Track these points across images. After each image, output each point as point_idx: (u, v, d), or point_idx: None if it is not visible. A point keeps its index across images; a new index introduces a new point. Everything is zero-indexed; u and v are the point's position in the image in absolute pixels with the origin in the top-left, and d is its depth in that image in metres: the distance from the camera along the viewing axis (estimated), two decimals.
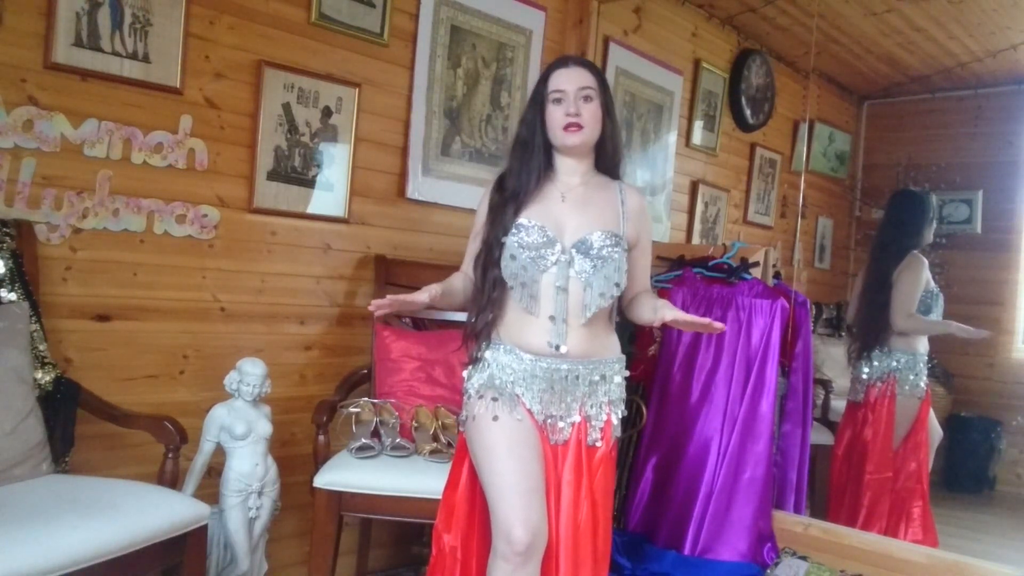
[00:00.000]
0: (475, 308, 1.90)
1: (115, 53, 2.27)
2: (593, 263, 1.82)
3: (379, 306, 1.73)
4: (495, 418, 1.79)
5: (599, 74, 1.93)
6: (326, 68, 2.76)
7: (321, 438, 2.41)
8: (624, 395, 1.94)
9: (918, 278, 3.59)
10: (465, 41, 3.20)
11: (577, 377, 1.85)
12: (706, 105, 4.42)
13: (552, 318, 1.81)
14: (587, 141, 1.88)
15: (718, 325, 1.75)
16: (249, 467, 2.25)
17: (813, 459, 3.41)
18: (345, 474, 2.26)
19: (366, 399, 2.54)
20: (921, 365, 3.62)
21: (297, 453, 2.68)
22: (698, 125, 4.40)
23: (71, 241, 2.24)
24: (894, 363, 3.59)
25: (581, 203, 1.89)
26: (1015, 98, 4.96)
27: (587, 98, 1.87)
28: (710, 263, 3.14)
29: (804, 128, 4.85)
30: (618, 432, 1.94)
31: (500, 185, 1.93)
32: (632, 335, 3.17)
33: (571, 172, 1.92)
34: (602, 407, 1.88)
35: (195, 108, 2.46)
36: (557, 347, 1.81)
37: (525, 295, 1.81)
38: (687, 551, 2.85)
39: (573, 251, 1.83)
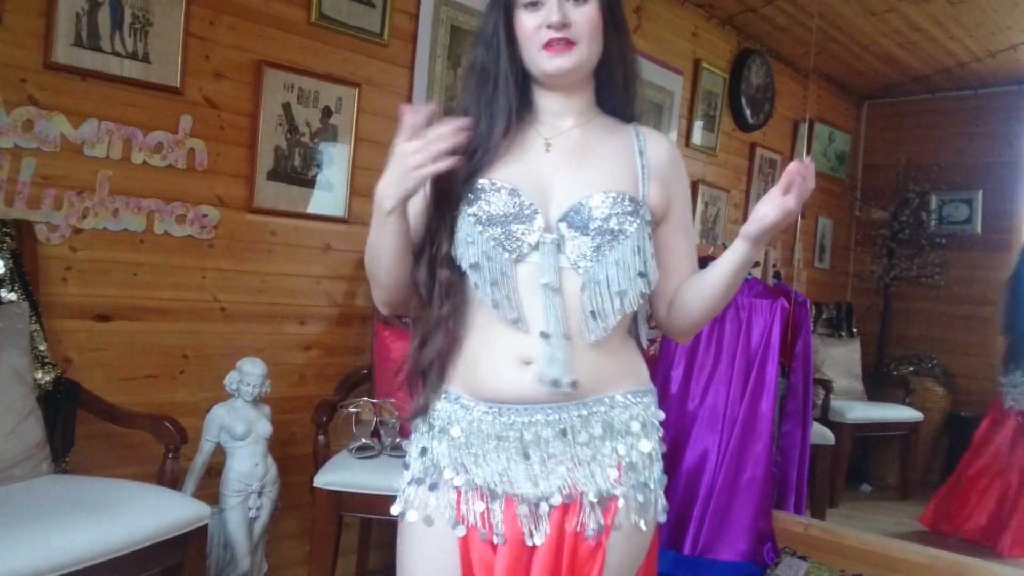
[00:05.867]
0: (419, 330, 1.26)
1: (115, 53, 2.27)
2: (595, 243, 1.18)
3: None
4: (428, 520, 1.21)
5: None
6: (326, 68, 2.76)
7: (321, 438, 2.41)
8: (660, 448, 1.26)
9: None
10: (465, 41, 3.20)
11: (569, 429, 1.19)
12: (706, 105, 4.42)
13: (545, 335, 1.17)
14: (581, 64, 1.23)
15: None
16: (249, 467, 2.25)
17: (813, 459, 3.42)
18: (345, 474, 2.26)
19: (366, 399, 2.54)
20: None
21: (297, 453, 2.68)
22: (698, 125, 4.40)
23: (71, 241, 2.24)
24: None
25: (576, 153, 1.25)
26: (1015, 98, 4.97)
27: None
28: (710, 263, 3.14)
29: (804, 128, 4.86)
30: (661, 515, 1.24)
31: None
32: None
33: (560, 113, 1.28)
34: (611, 470, 1.19)
35: (195, 108, 2.46)
36: (560, 382, 1.16)
37: (499, 295, 1.17)
38: (687, 551, 2.85)
39: (562, 226, 1.18)
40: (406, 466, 1.28)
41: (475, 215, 1.19)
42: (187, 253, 2.47)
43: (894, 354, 5.19)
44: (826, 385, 4.24)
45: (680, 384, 3.05)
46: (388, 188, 1.15)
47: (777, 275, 3.38)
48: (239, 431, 2.24)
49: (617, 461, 1.20)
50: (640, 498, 1.19)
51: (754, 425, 2.90)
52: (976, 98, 5.10)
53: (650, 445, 1.22)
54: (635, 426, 1.22)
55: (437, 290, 1.22)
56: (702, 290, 1.26)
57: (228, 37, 2.52)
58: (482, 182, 1.20)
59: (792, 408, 3.09)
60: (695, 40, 4.29)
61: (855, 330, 4.99)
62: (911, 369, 5.00)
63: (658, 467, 1.23)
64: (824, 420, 4.07)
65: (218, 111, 2.51)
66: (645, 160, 1.27)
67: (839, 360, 4.74)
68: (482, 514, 1.19)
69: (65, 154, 2.20)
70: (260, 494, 2.28)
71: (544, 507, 1.17)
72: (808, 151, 4.89)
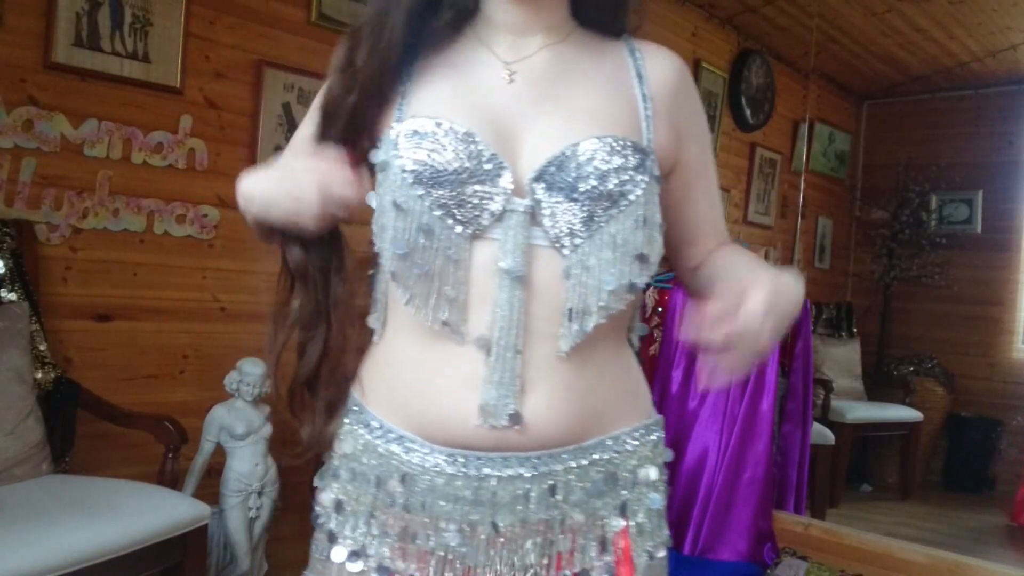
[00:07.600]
0: (302, 331, 0.96)
1: (115, 53, 2.27)
2: (587, 211, 0.79)
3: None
4: None
5: None
6: (326, 68, 2.76)
7: None
8: (664, 506, 0.88)
9: None
10: None
11: (555, 493, 0.81)
12: (706, 105, 4.42)
13: (485, 344, 0.78)
14: None
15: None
16: (249, 467, 2.25)
17: (813, 459, 3.42)
18: None
19: None
20: None
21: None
22: None
23: (71, 241, 2.24)
24: None
25: (551, 83, 0.87)
26: (1015, 98, 4.97)
27: None
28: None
29: (804, 128, 4.86)
30: None
31: (352, 55, 0.92)
32: None
33: (523, 28, 0.89)
34: (613, 538, 0.84)
35: (195, 108, 2.46)
36: (491, 414, 0.78)
37: (435, 296, 0.79)
38: (687, 551, 2.85)
39: (539, 187, 0.79)
40: (318, 526, 0.88)
41: (414, 168, 0.78)
42: (187, 253, 2.47)
43: (894, 354, 5.19)
44: (826, 385, 4.24)
45: (680, 384, 3.05)
46: (267, 203, 0.89)
47: None
48: (239, 431, 2.24)
49: (622, 524, 0.83)
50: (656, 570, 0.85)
51: (754, 425, 2.90)
52: (976, 98, 5.10)
53: (661, 499, 0.86)
54: (651, 474, 0.85)
55: (285, 271, 0.89)
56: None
57: (228, 37, 2.52)
58: (422, 121, 0.79)
59: (792, 408, 3.09)
60: (695, 40, 4.29)
61: (855, 330, 4.99)
62: (911, 369, 5.00)
63: (665, 523, 0.88)
64: (824, 420, 4.07)
65: (218, 111, 2.51)
66: (647, 87, 0.89)
67: (839, 360, 4.74)
68: None
69: (65, 154, 2.21)
70: (260, 494, 2.28)
71: None
72: (808, 151, 4.88)
